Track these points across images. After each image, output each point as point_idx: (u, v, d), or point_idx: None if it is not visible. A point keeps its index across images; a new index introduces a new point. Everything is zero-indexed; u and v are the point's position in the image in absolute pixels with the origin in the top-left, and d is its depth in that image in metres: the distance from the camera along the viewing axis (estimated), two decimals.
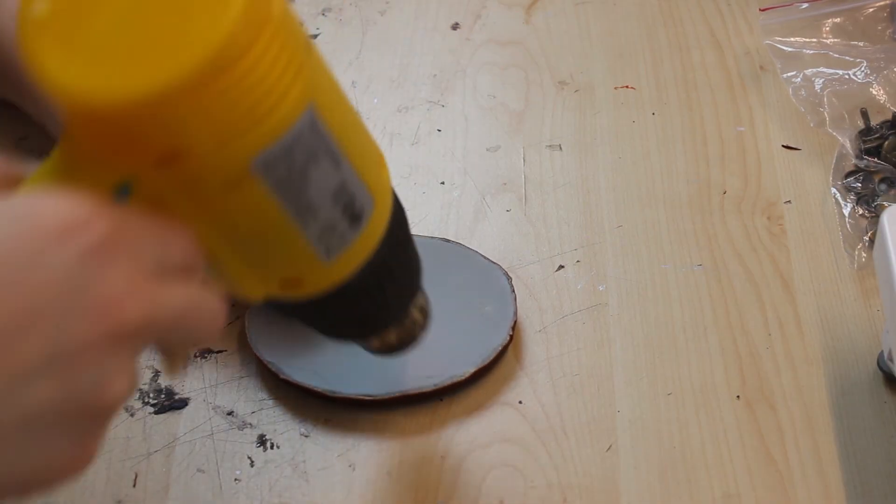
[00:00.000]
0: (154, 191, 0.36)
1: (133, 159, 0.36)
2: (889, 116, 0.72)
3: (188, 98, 0.33)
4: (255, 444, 0.61)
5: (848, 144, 0.71)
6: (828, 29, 0.76)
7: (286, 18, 0.36)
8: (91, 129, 0.36)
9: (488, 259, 0.66)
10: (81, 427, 0.36)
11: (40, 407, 0.34)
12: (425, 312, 0.53)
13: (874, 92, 0.73)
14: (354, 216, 0.41)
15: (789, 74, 0.74)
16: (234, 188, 0.37)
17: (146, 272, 0.36)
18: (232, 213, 0.38)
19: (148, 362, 0.64)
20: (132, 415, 0.62)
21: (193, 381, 0.63)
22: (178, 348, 0.42)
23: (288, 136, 0.36)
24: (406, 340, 0.53)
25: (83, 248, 0.34)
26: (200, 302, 0.38)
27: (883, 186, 0.70)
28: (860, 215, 0.68)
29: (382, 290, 0.47)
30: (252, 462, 0.60)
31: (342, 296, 0.44)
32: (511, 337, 0.63)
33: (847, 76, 0.74)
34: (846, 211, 0.69)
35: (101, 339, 0.34)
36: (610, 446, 0.60)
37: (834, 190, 0.70)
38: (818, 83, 0.74)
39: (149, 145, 0.35)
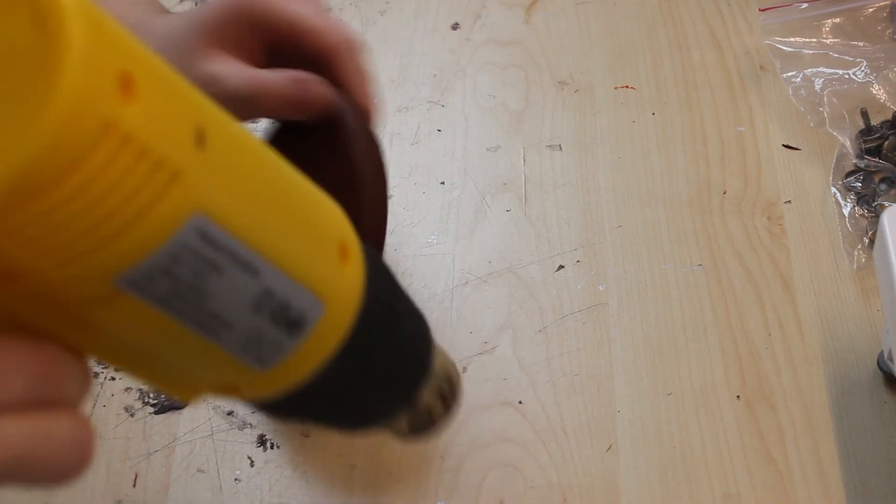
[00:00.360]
0: (3, 306, 0.31)
1: None
2: (889, 116, 0.72)
3: None
4: (255, 444, 0.61)
5: (848, 144, 0.71)
6: (828, 29, 0.76)
7: (152, 115, 0.29)
8: None
9: None
10: None
11: None
12: (447, 396, 0.46)
13: (874, 92, 0.73)
14: (292, 323, 0.35)
15: (789, 74, 0.74)
16: (103, 305, 0.31)
17: None
18: (113, 328, 0.32)
19: None
20: (132, 415, 0.62)
21: None
22: (35, 486, 0.34)
23: (162, 251, 0.30)
24: (423, 427, 0.46)
25: None
26: (47, 438, 0.32)
27: (883, 186, 0.70)
28: (860, 215, 0.68)
29: (360, 389, 0.40)
30: (252, 462, 0.60)
31: (305, 397, 0.37)
32: None
33: (847, 76, 0.74)
34: (846, 211, 0.69)
35: None
36: (610, 446, 0.60)
37: (834, 190, 0.70)
38: (818, 83, 0.74)
39: None
